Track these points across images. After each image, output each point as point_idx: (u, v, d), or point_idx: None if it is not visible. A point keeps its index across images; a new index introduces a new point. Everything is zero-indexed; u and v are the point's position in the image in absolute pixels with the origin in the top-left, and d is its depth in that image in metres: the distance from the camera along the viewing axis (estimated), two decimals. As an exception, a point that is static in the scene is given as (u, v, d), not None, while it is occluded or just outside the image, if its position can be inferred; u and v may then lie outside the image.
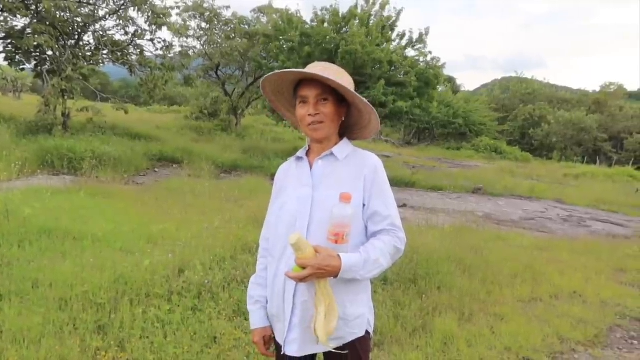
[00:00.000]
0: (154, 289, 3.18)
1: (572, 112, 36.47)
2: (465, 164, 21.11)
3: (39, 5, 11.46)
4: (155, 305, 3.01)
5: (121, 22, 13.36)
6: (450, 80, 38.88)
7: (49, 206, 5.16)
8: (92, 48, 13.67)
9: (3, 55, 12.48)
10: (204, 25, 18.00)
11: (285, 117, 1.62)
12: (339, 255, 1.27)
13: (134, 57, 14.05)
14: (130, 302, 2.98)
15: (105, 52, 13.45)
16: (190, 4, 17.20)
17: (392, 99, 13.64)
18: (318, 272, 1.25)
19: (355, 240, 1.36)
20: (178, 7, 16.68)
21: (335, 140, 1.49)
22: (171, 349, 2.60)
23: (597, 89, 48.90)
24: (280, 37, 15.26)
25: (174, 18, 16.08)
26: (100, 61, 14.11)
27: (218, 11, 17.55)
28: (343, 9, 14.62)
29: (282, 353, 1.45)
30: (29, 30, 11.84)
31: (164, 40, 14.34)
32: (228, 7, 17.85)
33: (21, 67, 13.04)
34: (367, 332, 1.47)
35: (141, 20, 16.28)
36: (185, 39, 17.77)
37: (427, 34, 14.99)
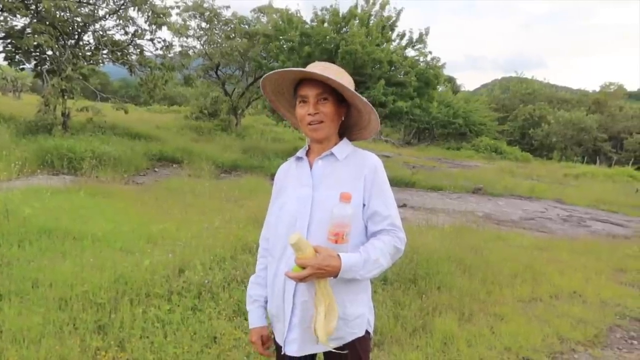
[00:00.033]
0: (154, 289, 3.18)
1: (572, 112, 36.46)
2: (465, 164, 21.11)
3: (38, 4, 11.45)
4: (155, 305, 3.01)
5: (121, 21, 13.36)
6: (450, 80, 38.88)
7: (49, 206, 5.16)
8: (92, 48, 13.67)
9: (3, 55, 12.50)
10: (204, 25, 18.00)
11: (285, 117, 1.62)
12: (338, 255, 1.27)
13: (133, 56, 14.05)
14: (130, 302, 2.98)
15: (105, 51, 13.44)
16: (190, 3, 17.20)
17: (392, 99, 13.64)
18: (318, 272, 1.25)
19: (355, 240, 1.36)
20: (178, 7, 16.69)
21: (335, 140, 1.49)
22: (171, 349, 2.60)
23: (597, 89, 48.95)
24: (280, 37, 15.26)
25: (174, 18, 16.11)
26: (100, 61, 14.11)
27: (218, 11, 17.55)
28: (343, 9, 14.64)
29: (282, 353, 1.45)
30: (28, 30, 11.83)
31: (164, 40, 14.36)
32: (228, 7, 17.88)
33: (21, 66, 13.03)
34: (367, 332, 1.48)
35: (141, 20, 16.26)
36: (185, 39, 17.79)
37: (427, 34, 14.99)
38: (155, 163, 11.68)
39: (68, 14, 12.50)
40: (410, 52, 15.32)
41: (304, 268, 1.25)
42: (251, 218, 5.34)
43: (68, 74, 11.78)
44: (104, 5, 13.24)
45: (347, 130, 1.54)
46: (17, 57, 12.54)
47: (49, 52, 12.53)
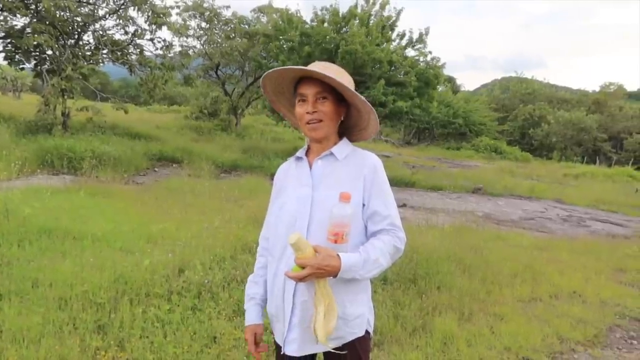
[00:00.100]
0: (154, 289, 3.18)
1: (572, 112, 36.46)
2: (465, 164, 21.11)
3: (38, 4, 11.45)
4: (155, 305, 3.01)
5: (121, 21, 13.35)
6: (450, 80, 38.88)
7: (49, 206, 5.16)
8: (92, 47, 13.66)
9: (3, 54, 12.49)
10: (203, 24, 18.00)
11: (285, 117, 1.62)
12: (338, 255, 1.27)
13: (133, 56, 14.05)
14: (130, 301, 2.98)
15: (105, 51, 13.43)
16: (190, 3, 17.20)
17: (392, 99, 13.65)
18: (317, 272, 1.25)
19: (355, 240, 1.36)
20: (178, 7, 16.69)
21: (334, 140, 1.49)
22: (171, 349, 2.60)
23: (597, 89, 48.95)
24: (280, 37, 15.26)
25: (174, 17, 16.12)
26: (100, 61, 14.09)
27: (218, 11, 17.55)
28: (343, 9, 14.64)
29: (281, 353, 1.45)
30: (28, 30, 11.82)
31: (164, 40, 14.35)
32: (228, 7, 17.88)
33: (21, 66, 13.02)
34: (367, 332, 1.47)
35: (141, 20, 16.29)
36: (185, 39, 17.80)
37: (427, 34, 15.00)
38: (155, 163, 11.68)
39: (68, 14, 12.49)
40: (410, 52, 15.36)
41: (303, 268, 1.25)
42: (251, 218, 5.34)
43: (68, 73, 11.78)
44: (104, 5, 13.25)
45: (347, 131, 1.54)
46: (17, 56, 12.53)
47: (49, 52, 12.53)
